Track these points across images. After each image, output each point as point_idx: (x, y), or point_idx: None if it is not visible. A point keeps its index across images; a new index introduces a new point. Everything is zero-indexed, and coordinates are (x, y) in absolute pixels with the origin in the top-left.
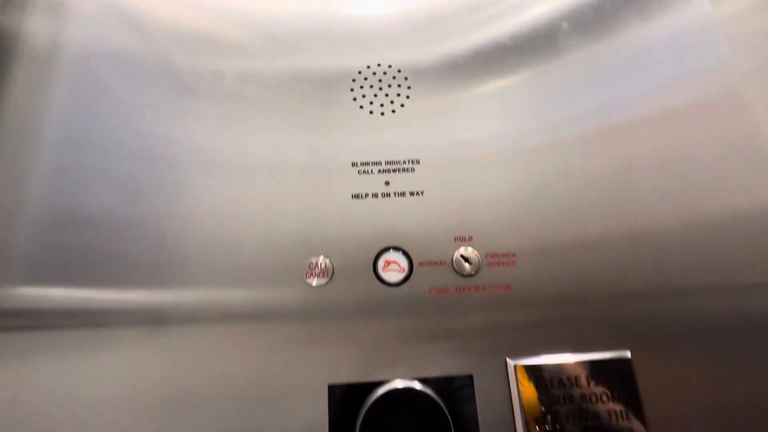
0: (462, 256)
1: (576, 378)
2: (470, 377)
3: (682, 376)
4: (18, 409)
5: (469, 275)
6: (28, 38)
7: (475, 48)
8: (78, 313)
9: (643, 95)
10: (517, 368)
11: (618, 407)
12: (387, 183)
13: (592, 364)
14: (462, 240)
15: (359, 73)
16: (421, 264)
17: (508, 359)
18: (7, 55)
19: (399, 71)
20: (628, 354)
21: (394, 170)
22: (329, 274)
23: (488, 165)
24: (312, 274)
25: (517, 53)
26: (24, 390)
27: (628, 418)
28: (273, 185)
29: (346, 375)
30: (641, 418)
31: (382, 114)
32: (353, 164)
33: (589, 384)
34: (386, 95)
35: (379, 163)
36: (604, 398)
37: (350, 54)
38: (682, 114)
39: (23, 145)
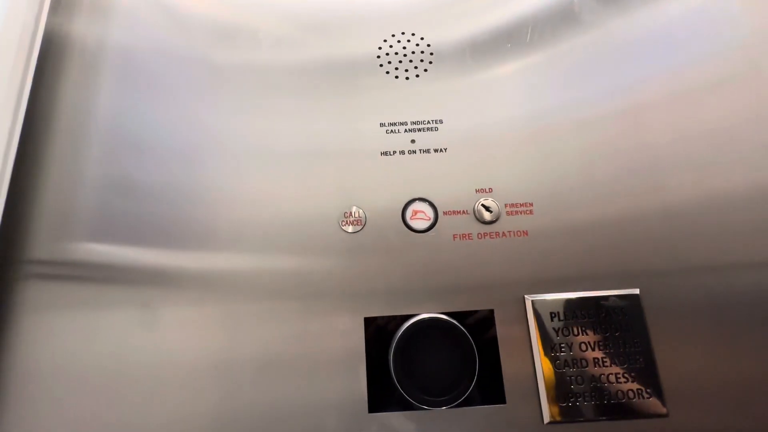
0: (483, 205)
1: (587, 311)
2: (491, 311)
3: (688, 325)
4: (83, 353)
5: (490, 222)
6: (77, 37)
7: (497, 19)
8: (138, 270)
9: (663, 71)
10: (534, 303)
11: (626, 337)
12: (413, 141)
13: (603, 300)
14: (483, 191)
15: (385, 41)
16: (445, 213)
17: (525, 296)
18: (60, 53)
19: (422, 38)
20: (637, 291)
21: (419, 129)
22: (362, 222)
23: (507, 126)
24: (347, 222)
25: (536, 25)
26: (89, 337)
27: (636, 346)
28: (310, 149)
29: (379, 310)
30: (649, 347)
31: (407, 78)
32: (381, 125)
33: (599, 317)
34: (410, 61)
35: (405, 123)
36: (614, 329)
37: (376, 27)
38: (702, 90)
39: (80, 127)
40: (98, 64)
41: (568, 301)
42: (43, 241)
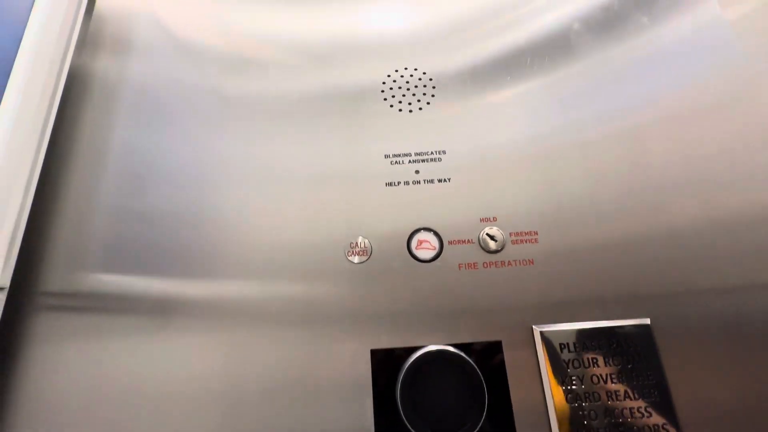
0: (488, 234)
1: (598, 342)
2: (499, 343)
3: (703, 345)
4: (93, 383)
5: (495, 251)
6: (99, 73)
7: (496, 49)
8: (148, 300)
9: (656, 95)
10: (543, 334)
11: (639, 369)
12: (417, 172)
13: (614, 330)
14: (487, 220)
15: (388, 76)
16: (450, 242)
17: (534, 326)
18: (83, 87)
19: (424, 73)
20: (647, 321)
21: (423, 160)
22: (368, 252)
23: (509, 153)
24: (353, 252)
25: (534, 53)
26: (99, 366)
27: (649, 379)
28: (316, 179)
29: (386, 341)
30: (663, 379)
31: (410, 111)
32: (386, 156)
33: (610, 348)
34: (413, 95)
35: (409, 155)
36: (627, 360)
37: (379, 60)
38: (697, 113)
39: (96, 158)
40: (116, 99)
41: (579, 332)
42: (57, 273)
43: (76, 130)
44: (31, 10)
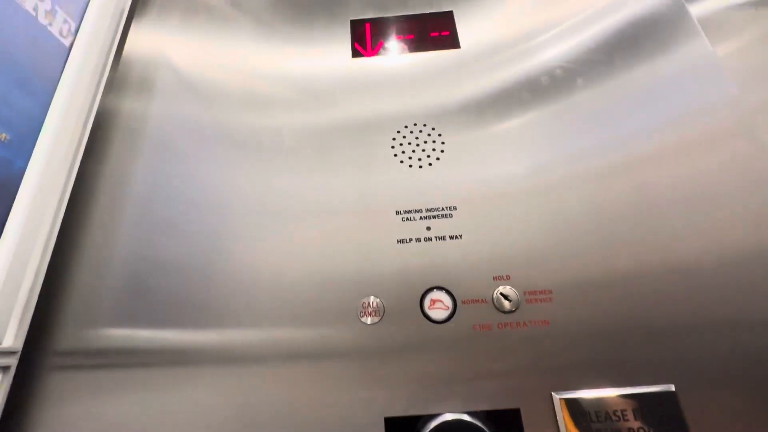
0: (501, 293)
1: (622, 411)
2: (517, 411)
3: (729, 410)
4: None
5: (510, 312)
6: (124, 114)
7: (497, 94)
8: (159, 352)
9: (653, 131)
10: (563, 402)
11: None
12: (428, 228)
13: (638, 398)
14: (500, 278)
15: (398, 132)
16: (464, 302)
17: (553, 393)
18: (109, 129)
19: (433, 129)
20: (672, 388)
21: (434, 216)
22: (381, 313)
23: (520, 207)
24: (366, 313)
25: (534, 94)
26: (112, 423)
27: None
28: (327, 235)
29: (400, 408)
30: None
31: (420, 167)
32: (397, 212)
33: (636, 417)
34: (423, 150)
35: (420, 211)
36: (650, 427)
37: (388, 115)
38: (696, 147)
39: (115, 204)
40: (138, 142)
41: (599, 400)
42: (69, 330)
43: (99, 180)
44: (67, 57)
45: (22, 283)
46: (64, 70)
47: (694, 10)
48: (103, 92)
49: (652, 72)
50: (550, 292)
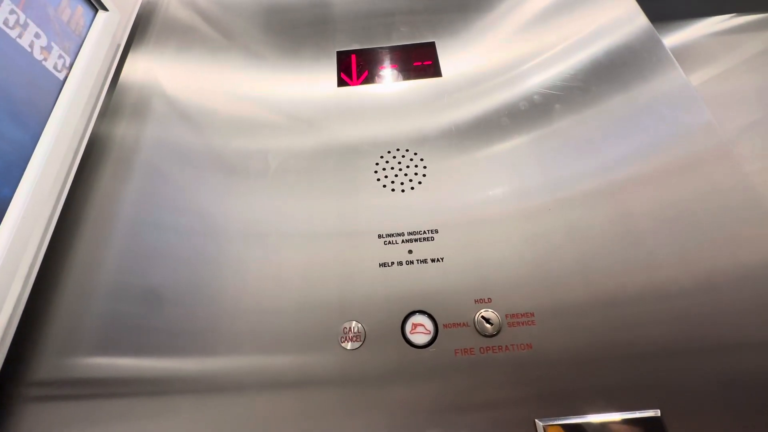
0: (483, 317)
1: None
2: None
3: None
4: None
5: (491, 335)
6: (117, 140)
7: (478, 120)
8: (140, 382)
9: (631, 157)
10: (547, 429)
11: None
12: (410, 252)
13: (624, 423)
14: (482, 301)
15: (381, 157)
16: (445, 326)
17: (537, 420)
18: (100, 156)
19: (416, 153)
20: (657, 413)
21: (416, 240)
22: (362, 338)
23: (500, 230)
24: (346, 338)
25: (513, 121)
26: None
27: None
28: (309, 259)
29: None
30: None
31: (403, 191)
32: (379, 236)
33: None
34: (405, 174)
35: (402, 234)
36: None
37: (372, 140)
38: (673, 174)
39: (102, 230)
40: (126, 171)
41: (585, 427)
42: (48, 360)
43: (86, 207)
44: (67, 76)
45: (0, 312)
46: (57, 101)
47: (667, 41)
48: (97, 118)
49: (629, 101)
50: (533, 315)
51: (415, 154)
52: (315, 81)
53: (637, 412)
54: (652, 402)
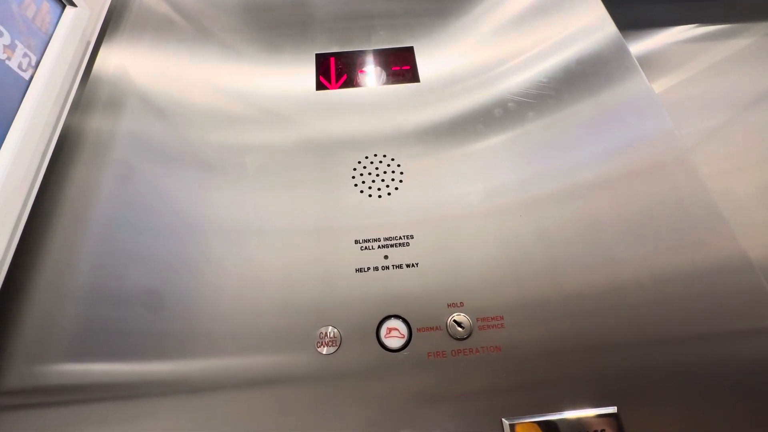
0: (455, 321)
1: None
2: None
3: (668, 428)
4: None
5: (463, 339)
6: (90, 134)
7: (453, 124)
8: (115, 386)
9: (597, 161)
10: (513, 427)
11: None
12: (386, 257)
13: (582, 422)
14: (454, 306)
15: (359, 162)
16: (419, 330)
17: (503, 419)
18: (73, 150)
19: (393, 159)
20: (614, 409)
21: (392, 245)
22: (337, 342)
23: (473, 233)
24: (322, 343)
25: (487, 125)
26: None
27: None
28: (286, 264)
29: None
30: None
31: (380, 197)
32: (356, 241)
33: None
34: (382, 180)
35: (378, 240)
36: None
37: (351, 146)
38: (636, 177)
39: (74, 230)
40: (99, 167)
41: (547, 424)
42: (18, 368)
43: (59, 205)
44: (33, 75)
45: None
46: (22, 102)
47: (633, 48)
48: (67, 117)
49: (596, 106)
50: (502, 318)
51: (392, 159)
52: (294, 81)
53: (594, 409)
54: (610, 399)
